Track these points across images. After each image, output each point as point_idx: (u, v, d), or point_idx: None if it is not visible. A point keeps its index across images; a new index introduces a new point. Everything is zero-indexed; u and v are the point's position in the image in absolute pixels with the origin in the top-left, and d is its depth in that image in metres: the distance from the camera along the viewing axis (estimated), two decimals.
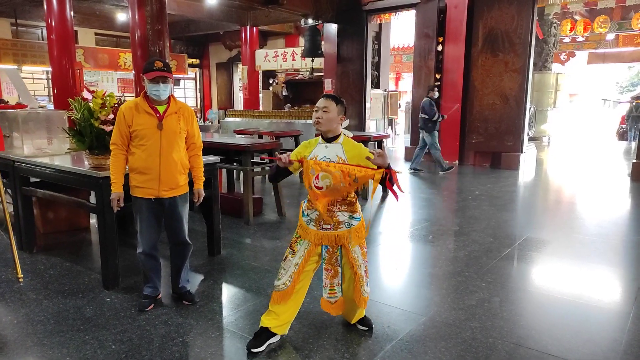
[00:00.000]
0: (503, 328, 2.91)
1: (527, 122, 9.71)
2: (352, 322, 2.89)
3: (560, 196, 7.60)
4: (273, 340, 2.69)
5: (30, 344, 2.70)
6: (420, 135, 8.81)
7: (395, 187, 2.37)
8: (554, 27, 14.31)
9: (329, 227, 2.58)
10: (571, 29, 14.15)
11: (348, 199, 2.58)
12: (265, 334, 2.66)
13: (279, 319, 2.66)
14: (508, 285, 3.63)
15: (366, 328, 2.87)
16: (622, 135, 16.54)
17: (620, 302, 3.38)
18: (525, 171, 9.19)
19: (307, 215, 2.63)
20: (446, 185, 8.20)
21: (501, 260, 4.14)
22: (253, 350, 2.61)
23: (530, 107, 11.14)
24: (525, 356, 2.60)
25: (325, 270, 2.66)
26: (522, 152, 9.39)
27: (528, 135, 10.41)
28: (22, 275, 3.63)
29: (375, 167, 2.39)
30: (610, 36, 16.61)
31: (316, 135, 2.74)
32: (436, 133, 8.63)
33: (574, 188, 8.02)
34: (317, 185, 2.47)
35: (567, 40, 16.92)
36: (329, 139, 2.58)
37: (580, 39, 16.60)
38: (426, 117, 8.44)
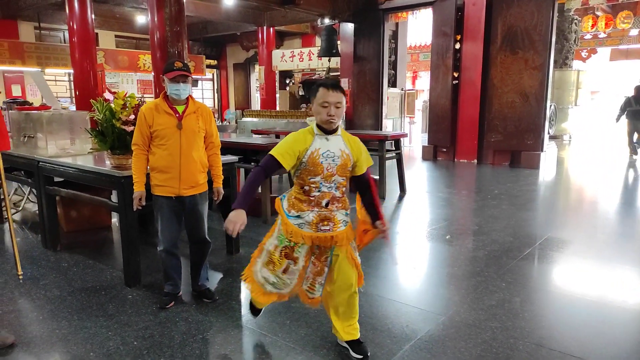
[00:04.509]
0: (524, 328, 2.87)
1: (548, 120, 9.55)
2: (343, 341, 2.57)
3: (582, 195, 7.45)
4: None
5: (55, 340, 2.77)
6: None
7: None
8: (575, 23, 14.04)
9: (327, 228, 2.35)
10: (592, 25, 13.86)
11: (344, 195, 2.44)
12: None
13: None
14: (529, 286, 3.58)
15: (360, 356, 2.50)
16: None
17: None
18: (546, 170, 9.04)
19: (299, 217, 2.36)
20: (465, 184, 8.12)
21: (522, 260, 4.08)
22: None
23: (550, 105, 10.95)
24: (547, 357, 2.56)
25: (312, 264, 2.45)
26: (542, 150, 9.24)
27: (548, 133, 10.23)
28: (22, 273, 3.65)
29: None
30: (634, 32, 16.21)
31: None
32: None
33: (596, 187, 7.86)
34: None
35: (588, 36, 16.58)
36: (329, 132, 2.33)
37: (602, 35, 16.24)
38: None
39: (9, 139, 4.36)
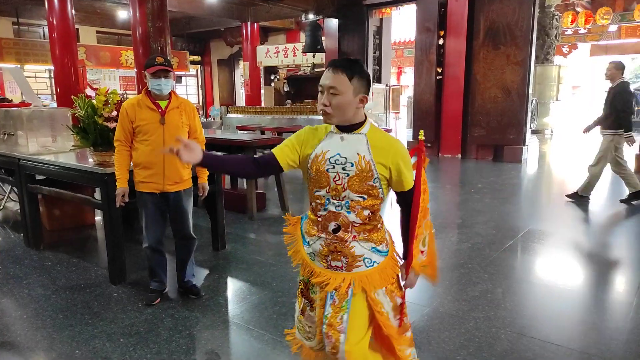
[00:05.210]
0: (506, 318, 2.93)
1: (530, 114, 9.71)
2: None
3: (563, 188, 7.58)
4: None
5: (40, 338, 2.74)
6: None
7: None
8: (556, 19, 14.25)
9: (338, 265, 1.70)
10: (572, 21, 14.09)
11: (371, 221, 1.71)
12: None
13: None
14: (511, 277, 3.65)
15: None
16: None
17: (622, 291, 3.41)
18: (528, 164, 9.19)
19: (309, 244, 1.76)
20: (449, 178, 8.22)
21: (504, 252, 4.16)
22: None
23: (532, 100, 11.12)
24: (528, 345, 2.63)
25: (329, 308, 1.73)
26: (524, 145, 9.38)
27: (530, 128, 10.39)
28: None
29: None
30: (613, 28, 16.50)
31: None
32: None
33: (577, 180, 8.01)
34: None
35: (569, 32, 16.85)
36: (347, 128, 1.66)
37: (582, 31, 16.52)
38: None
39: None
